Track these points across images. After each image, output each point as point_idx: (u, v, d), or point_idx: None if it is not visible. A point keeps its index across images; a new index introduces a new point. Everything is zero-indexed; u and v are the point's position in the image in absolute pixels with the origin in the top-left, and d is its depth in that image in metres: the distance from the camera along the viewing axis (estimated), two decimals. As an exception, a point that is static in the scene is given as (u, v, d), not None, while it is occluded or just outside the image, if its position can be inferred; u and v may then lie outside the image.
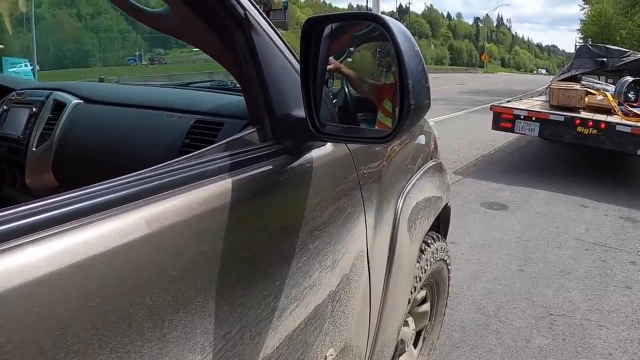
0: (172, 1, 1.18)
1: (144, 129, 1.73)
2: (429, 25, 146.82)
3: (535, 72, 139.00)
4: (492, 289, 3.71)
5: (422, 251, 2.09)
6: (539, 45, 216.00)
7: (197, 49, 1.35)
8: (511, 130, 7.48)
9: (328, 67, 1.23)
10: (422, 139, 2.20)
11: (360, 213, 1.45)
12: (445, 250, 2.39)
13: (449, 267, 2.53)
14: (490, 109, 7.81)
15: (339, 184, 1.37)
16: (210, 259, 0.88)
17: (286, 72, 1.22)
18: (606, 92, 7.72)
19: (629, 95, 7.62)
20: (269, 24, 1.20)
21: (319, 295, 1.24)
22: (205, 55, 1.30)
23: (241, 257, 0.97)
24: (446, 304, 2.68)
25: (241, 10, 1.11)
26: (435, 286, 2.49)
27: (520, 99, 9.70)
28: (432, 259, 2.19)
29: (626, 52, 9.56)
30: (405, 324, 2.14)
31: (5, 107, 2.24)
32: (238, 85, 1.39)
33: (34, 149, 2.00)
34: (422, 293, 2.34)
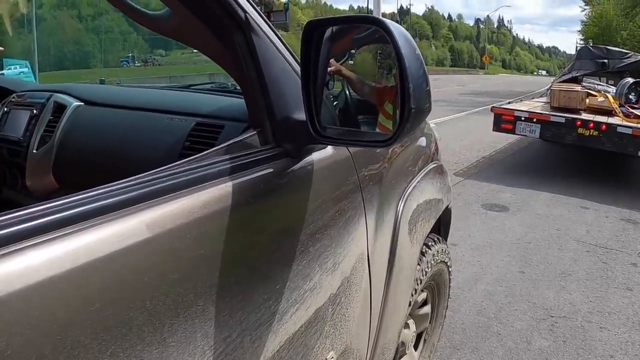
0: (172, 3, 1.17)
1: (145, 132, 1.73)
2: (430, 26, 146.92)
3: (535, 73, 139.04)
4: (493, 290, 3.70)
5: (422, 253, 2.08)
6: (539, 47, 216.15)
7: (197, 51, 1.35)
8: (512, 131, 7.48)
9: (329, 69, 1.23)
10: (422, 141, 2.20)
11: (361, 216, 1.45)
12: (446, 252, 2.39)
13: (450, 269, 2.53)
14: (491, 110, 7.80)
15: (339, 186, 1.37)
16: (211, 262, 0.88)
17: (287, 75, 1.21)
18: (607, 94, 7.72)
19: (630, 96, 7.62)
20: (269, 26, 1.20)
21: (320, 298, 1.24)
22: (206, 57, 1.29)
23: (241, 261, 0.97)
24: (447, 306, 2.68)
25: (241, 13, 1.11)
26: (436, 288, 2.48)
27: (521, 101, 9.69)
28: (432, 261, 2.18)
29: (627, 53, 9.55)
30: (406, 326, 2.14)
31: (5, 109, 2.24)
32: (238, 87, 1.39)
33: (34, 151, 2.00)
34: (423, 295, 2.34)
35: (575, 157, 8.57)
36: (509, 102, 8.96)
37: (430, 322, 2.50)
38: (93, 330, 0.66)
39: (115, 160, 1.73)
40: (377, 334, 1.68)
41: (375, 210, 1.55)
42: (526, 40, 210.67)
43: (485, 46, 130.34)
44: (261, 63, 1.15)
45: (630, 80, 7.77)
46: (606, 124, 6.58)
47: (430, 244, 2.19)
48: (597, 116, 7.00)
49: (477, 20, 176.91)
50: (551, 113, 7.16)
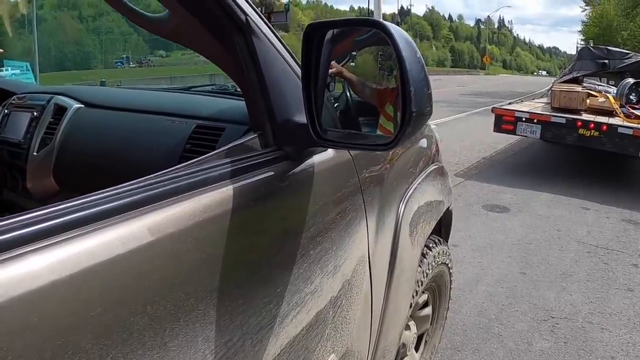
0: (172, 6, 1.17)
1: (146, 134, 1.73)
2: (431, 27, 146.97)
3: (535, 73, 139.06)
4: (494, 291, 3.70)
5: (423, 255, 2.08)
6: (540, 47, 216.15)
7: (197, 53, 1.35)
8: (513, 132, 7.48)
9: (330, 70, 1.23)
10: (423, 143, 2.20)
11: (362, 218, 1.45)
12: (447, 254, 2.39)
13: (451, 271, 2.52)
14: (492, 111, 7.80)
15: (340, 189, 1.37)
16: (212, 266, 0.88)
17: (287, 77, 1.21)
18: (608, 94, 7.72)
19: (631, 97, 7.62)
20: (269, 28, 1.19)
21: (321, 301, 1.24)
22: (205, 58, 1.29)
23: (242, 264, 0.97)
24: (448, 307, 2.68)
25: (242, 15, 1.11)
26: (437, 290, 2.48)
27: (522, 101, 9.68)
28: (433, 263, 2.18)
29: (628, 53, 9.56)
30: (407, 327, 2.14)
31: (6, 111, 2.24)
32: (239, 89, 1.39)
33: (35, 153, 2.00)
34: (424, 297, 2.33)
35: (576, 157, 8.57)
36: (510, 103, 8.96)
37: (431, 324, 2.49)
38: (94, 335, 0.66)
39: (116, 163, 1.73)
40: (378, 336, 1.68)
41: (376, 212, 1.55)
42: (527, 40, 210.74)
43: (485, 47, 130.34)
44: (262, 65, 1.15)
45: (631, 80, 7.77)
46: (607, 124, 6.58)
47: (431, 245, 2.19)
48: (597, 117, 7.00)
49: (478, 21, 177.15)
50: (552, 114, 7.16)
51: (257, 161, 1.07)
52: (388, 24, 1.03)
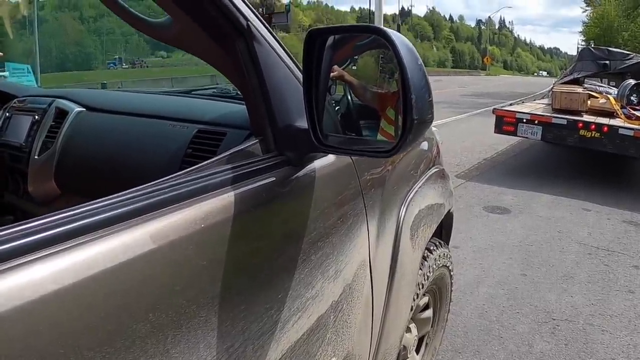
0: (173, 11, 1.18)
1: (147, 138, 1.74)
2: (431, 27, 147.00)
3: (536, 74, 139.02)
4: (495, 293, 3.70)
5: (424, 258, 2.08)
6: (541, 48, 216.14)
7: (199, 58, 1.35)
8: (514, 133, 7.48)
9: (332, 74, 1.23)
10: (424, 145, 2.20)
11: (363, 222, 1.45)
12: (448, 256, 2.39)
13: (452, 273, 2.53)
14: (493, 112, 7.81)
15: (341, 193, 1.37)
16: (213, 272, 0.88)
17: (288, 82, 1.21)
18: (609, 95, 7.72)
19: (632, 98, 7.62)
20: (271, 33, 1.20)
21: (322, 305, 1.24)
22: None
23: (243, 270, 0.97)
24: (449, 309, 2.68)
25: (243, 20, 1.11)
26: (437, 292, 2.48)
27: (523, 102, 9.68)
28: (434, 266, 2.18)
29: (628, 54, 9.56)
30: (408, 330, 2.14)
31: (7, 114, 2.24)
32: (240, 93, 1.39)
33: (36, 156, 2.00)
34: (425, 299, 2.34)
35: (576, 158, 8.57)
36: (511, 104, 8.96)
37: (432, 326, 2.50)
38: (97, 343, 0.66)
39: (117, 167, 1.73)
40: (379, 339, 1.69)
41: (377, 216, 1.55)
42: (527, 41, 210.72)
43: (486, 47, 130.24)
44: (263, 70, 1.15)
45: (632, 81, 7.78)
46: (608, 125, 6.58)
47: (432, 248, 2.19)
48: (598, 118, 7.00)
49: (479, 22, 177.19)
50: (553, 115, 7.16)
51: (258, 167, 1.07)
52: (389, 30, 1.03)
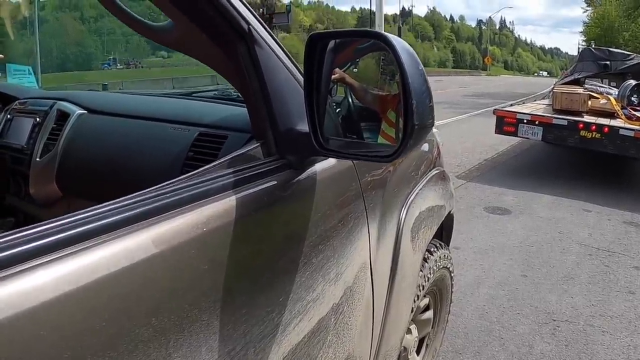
0: (174, 15, 1.18)
1: (148, 141, 1.74)
2: (432, 27, 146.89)
3: (537, 74, 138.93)
4: (495, 294, 3.71)
5: (425, 260, 2.09)
6: (542, 48, 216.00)
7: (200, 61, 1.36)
8: (514, 134, 7.48)
9: (333, 76, 1.23)
10: (425, 147, 2.20)
11: (364, 225, 1.46)
12: (448, 258, 2.39)
13: (452, 275, 2.53)
14: (494, 113, 7.81)
15: (342, 196, 1.37)
16: (215, 276, 0.89)
17: (289, 86, 1.22)
18: (609, 96, 7.72)
19: (632, 98, 7.63)
20: (272, 37, 1.20)
21: (322, 308, 1.24)
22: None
23: (245, 274, 0.98)
24: (449, 310, 2.68)
25: (244, 24, 1.11)
26: (438, 293, 2.49)
27: (524, 103, 9.68)
28: (435, 267, 2.19)
29: (629, 55, 9.57)
30: (408, 331, 2.14)
31: (9, 116, 2.25)
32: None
33: (38, 159, 2.01)
34: (425, 301, 2.34)
35: (577, 159, 8.57)
36: (511, 105, 8.96)
37: (432, 327, 2.50)
38: (100, 347, 0.66)
39: (119, 170, 1.74)
40: (380, 341, 1.69)
41: (378, 219, 1.56)
42: (528, 41, 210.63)
43: (487, 47, 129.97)
44: (264, 74, 1.15)
45: (633, 82, 7.78)
46: (608, 126, 6.58)
47: (432, 250, 2.20)
48: (599, 118, 7.00)
49: (479, 22, 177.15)
50: (553, 115, 7.16)
51: (259, 171, 1.08)
52: (390, 35, 1.04)
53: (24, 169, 2.06)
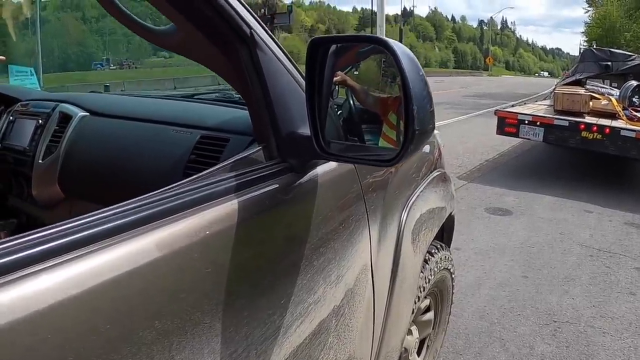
0: (177, 19, 1.19)
1: (151, 144, 1.75)
2: (434, 28, 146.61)
3: (538, 75, 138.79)
4: (496, 295, 3.71)
5: (426, 261, 2.09)
6: (543, 48, 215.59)
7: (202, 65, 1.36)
8: (515, 135, 7.49)
9: (335, 79, 1.24)
10: (426, 148, 2.20)
11: (365, 227, 1.46)
12: (449, 259, 2.40)
13: (453, 276, 2.53)
14: (495, 113, 7.81)
15: (343, 199, 1.38)
16: (217, 279, 0.89)
17: (291, 89, 1.22)
18: (611, 97, 7.72)
19: (634, 99, 7.63)
20: (274, 41, 1.21)
21: (324, 310, 1.25)
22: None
23: (247, 277, 0.98)
24: (450, 311, 2.69)
25: (246, 28, 1.12)
26: (439, 295, 2.49)
27: (525, 103, 9.68)
28: (436, 269, 2.19)
29: (630, 55, 9.56)
30: (409, 332, 2.15)
31: (11, 117, 2.26)
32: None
33: (40, 161, 2.02)
34: (426, 302, 2.34)
35: (578, 160, 8.57)
36: (513, 105, 8.96)
37: (433, 328, 2.50)
38: (104, 351, 0.67)
39: (121, 172, 1.74)
40: (380, 342, 1.69)
41: (379, 221, 1.56)
42: (530, 41, 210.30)
43: (488, 48, 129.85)
44: (266, 78, 1.16)
45: (634, 83, 7.78)
46: (610, 127, 6.59)
47: (433, 251, 2.20)
48: (600, 119, 7.01)
49: (481, 22, 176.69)
50: (555, 116, 7.16)
51: (261, 174, 1.08)
52: (391, 41, 1.04)
53: (26, 171, 2.07)
